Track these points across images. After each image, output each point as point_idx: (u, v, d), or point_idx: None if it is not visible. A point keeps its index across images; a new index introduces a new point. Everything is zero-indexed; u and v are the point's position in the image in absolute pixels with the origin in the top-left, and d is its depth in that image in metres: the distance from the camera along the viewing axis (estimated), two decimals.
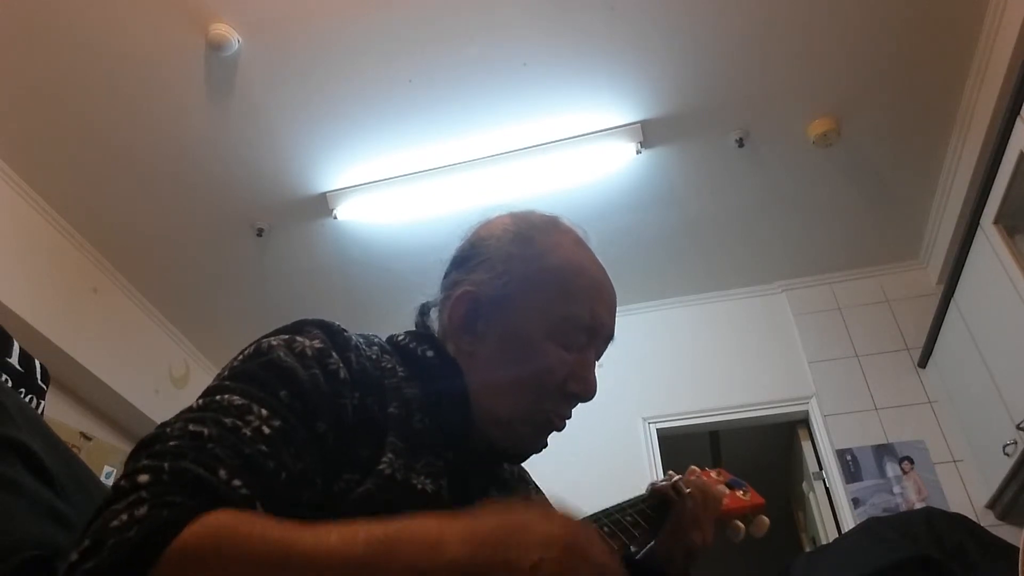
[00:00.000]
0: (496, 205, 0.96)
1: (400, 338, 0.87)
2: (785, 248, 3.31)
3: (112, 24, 2.29)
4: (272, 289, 3.39)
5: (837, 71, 2.52)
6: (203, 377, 3.69)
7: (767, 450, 4.02)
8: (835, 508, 2.93)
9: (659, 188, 2.97)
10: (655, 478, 3.25)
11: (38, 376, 2.00)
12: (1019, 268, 2.29)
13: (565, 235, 0.88)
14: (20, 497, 0.65)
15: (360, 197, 2.91)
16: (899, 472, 2.87)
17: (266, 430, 0.62)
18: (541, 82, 2.54)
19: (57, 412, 2.82)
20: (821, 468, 3.04)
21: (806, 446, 3.17)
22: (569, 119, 2.68)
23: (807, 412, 3.16)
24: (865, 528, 2.31)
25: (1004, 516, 2.65)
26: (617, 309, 0.88)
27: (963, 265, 2.63)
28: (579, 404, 0.85)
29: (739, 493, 0.96)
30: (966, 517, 2.32)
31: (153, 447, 0.59)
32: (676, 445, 3.34)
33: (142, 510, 0.52)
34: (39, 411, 1.90)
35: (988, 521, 2.62)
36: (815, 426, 3.11)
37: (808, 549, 3.27)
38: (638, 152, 2.75)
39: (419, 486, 0.71)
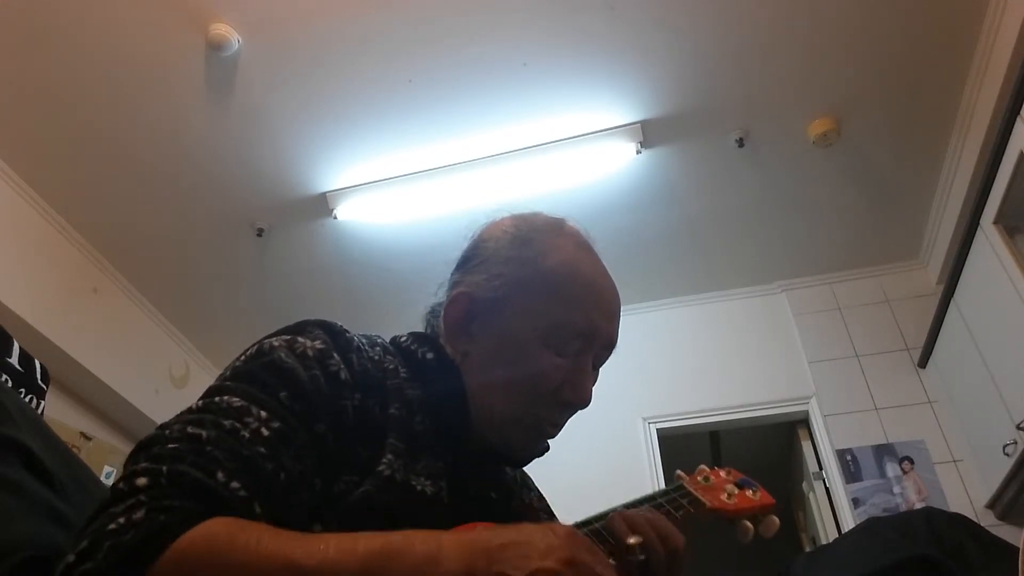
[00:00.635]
0: (497, 205, 0.95)
1: (403, 339, 0.87)
2: (785, 248, 3.31)
3: (112, 24, 2.29)
4: (272, 289, 3.39)
5: (837, 71, 2.52)
6: (203, 377, 3.68)
7: (767, 450, 4.02)
8: (835, 508, 2.93)
9: (659, 188, 2.97)
10: (655, 478, 3.22)
11: (38, 376, 2.00)
12: (1019, 268, 2.29)
13: (567, 238, 0.87)
14: (20, 497, 0.65)
15: (360, 197, 2.91)
16: (899, 472, 2.87)
17: (265, 432, 0.62)
18: (541, 82, 2.54)
19: (57, 412, 2.82)
20: (821, 468, 3.04)
21: (806, 446, 3.17)
22: (569, 119, 2.68)
23: (807, 412, 3.16)
24: (865, 528, 2.31)
25: (1004, 516, 2.65)
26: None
27: (963, 265, 2.63)
28: (575, 412, 0.83)
29: (749, 493, 0.95)
30: (966, 517, 2.32)
31: (152, 449, 0.59)
32: (676, 445, 3.34)
33: (139, 514, 0.52)
34: (39, 411, 1.90)
35: (988, 521, 2.62)
36: (815, 426, 3.11)
37: (808, 549, 3.27)
38: (638, 152, 2.75)
39: (418, 487, 0.71)
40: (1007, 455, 2.41)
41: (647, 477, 3.11)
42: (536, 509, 0.94)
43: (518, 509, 0.89)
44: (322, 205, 2.95)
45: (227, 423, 0.62)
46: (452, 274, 0.89)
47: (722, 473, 0.99)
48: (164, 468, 0.56)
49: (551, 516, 0.95)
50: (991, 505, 2.66)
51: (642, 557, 0.69)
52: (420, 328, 0.91)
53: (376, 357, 0.78)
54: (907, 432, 2.96)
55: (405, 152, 2.77)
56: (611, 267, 0.88)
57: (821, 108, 2.66)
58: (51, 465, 0.70)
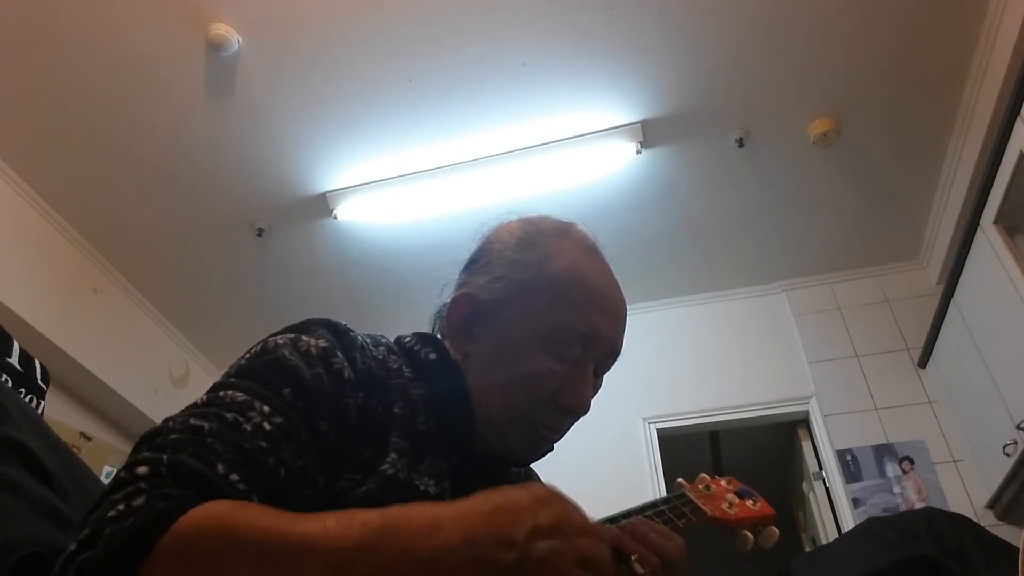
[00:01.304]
0: (506, 207, 0.94)
1: (407, 339, 0.87)
2: (785, 248, 3.31)
3: (112, 24, 2.29)
4: (272, 289, 3.39)
5: (837, 71, 2.52)
6: (203, 377, 3.69)
7: (767, 450, 4.02)
8: (835, 508, 2.93)
9: (659, 188, 2.97)
10: (655, 478, 3.22)
11: (38, 376, 2.00)
12: (1019, 268, 2.29)
13: (574, 242, 0.86)
14: (20, 497, 0.65)
15: (360, 197, 2.91)
16: (899, 472, 2.87)
17: (267, 427, 0.63)
18: (541, 82, 2.54)
19: (57, 412, 2.82)
20: (821, 468, 3.04)
21: (806, 446, 3.17)
22: (569, 119, 2.68)
23: (807, 412, 3.16)
24: (865, 528, 2.31)
25: (1004, 516, 2.65)
26: None
27: (963, 265, 2.63)
28: (576, 419, 0.83)
29: (749, 503, 0.96)
30: (966, 517, 2.32)
31: (155, 440, 0.60)
32: (676, 445, 3.34)
33: (139, 501, 0.53)
34: (39, 411, 1.90)
35: (988, 521, 2.62)
36: (815, 426, 3.11)
37: (808, 549, 3.27)
38: (638, 152, 2.76)
39: (421, 487, 0.71)
40: (1007, 455, 2.41)
41: (647, 477, 3.11)
42: None
43: None
44: (322, 205, 2.95)
45: (230, 417, 0.62)
46: (459, 275, 0.89)
47: (723, 482, 0.99)
48: (165, 458, 0.57)
49: None
50: (991, 505, 2.66)
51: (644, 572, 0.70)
52: (425, 328, 0.92)
53: (380, 356, 0.78)
54: (907, 432, 2.96)
55: (405, 152, 2.77)
56: (611, 267, 0.88)
57: (821, 108, 2.66)
58: (51, 465, 0.70)
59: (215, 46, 2.32)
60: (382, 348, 0.81)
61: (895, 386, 3.09)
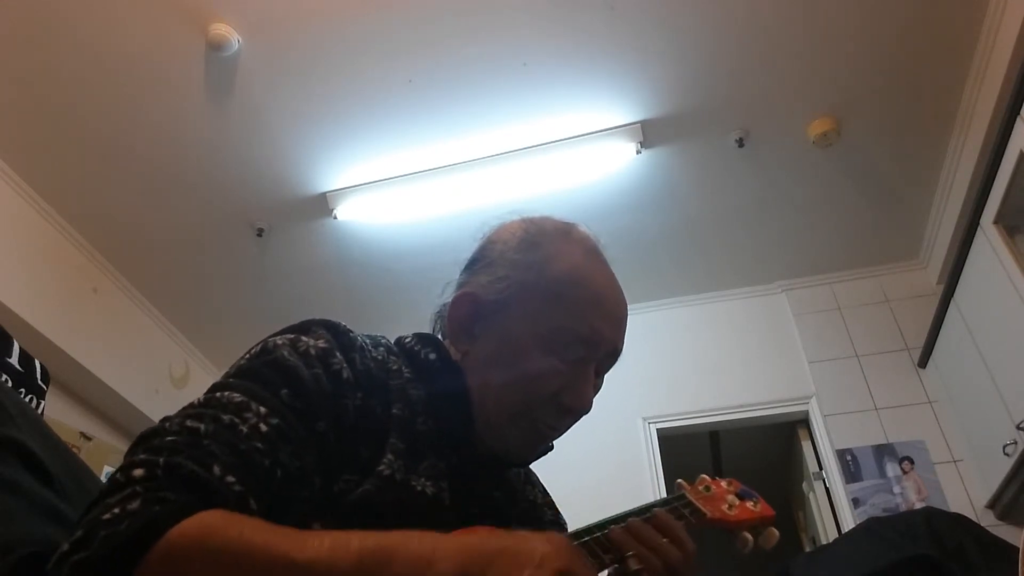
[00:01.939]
0: (507, 207, 0.94)
1: (407, 340, 0.87)
2: (785, 248, 3.31)
3: (112, 24, 2.29)
4: (272, 289, 3.39)
5: (837, 71, 2.52)
6: (203, 377, 3.69)
7: (767, 450, 4.02)
8: (835, 508, 2.93)
9: (659, 188, 2.97)
10: (655, 478, 3.22)
11: (38, 376, 2.00)
12: (1019, 268, 2.29)
13: (576, 244, 0.86)
14: (20, 497, 0.65)
15: (360, 197, 2.91)
16: (899, 472, 2.87)
17: (263, 428, 0.63)
18: (541, 82, 2.54)
19: (57, 412, 2.82)
20: (821, 468, 3.04)
21: (806, 446, 3.17)
22: (569, 119, 2.68)
23: (807, 412, 3.16)
24: (865, 528, 2.31)
25: (1004, 516, 2.65)
26: None
27: (963, 265, 2.63)
28: (576, 419, 0.83)
29: (749, 504, 0.95)
30: (966, 517, 2.32)
31: (151, 442, 0.60)
32: (676, 445, 3.34)
33: (134, 504, 0.52)
34: (39, 411, 1.90)
35: (988, 521, 2.62)
36: (815, 426, 3.11)
37: (808, 549, 3.27)
38: (638, 152, 2.76)
39: (419, 488, 0.71)
40: (1007, 455, 2.41)
41: (647, 477, 3.11)
42: (541, 506, 0.94)
43: (522, 508, 0.89)
44: (322, 205, 2.95)
45: (226, 418, 0.62)
46: (460, 275, 0.89)
47: (723, 483, 0.99)
48: (161, 460, 0.56)
49: (555, 512, 0.96)
50: (991, 505, 2.66)
51: (638, 567, 0.70)
52: (425, 328, 0.92)
53: (379, 357, 0.78)
54: (907, 432, 2.96)
55: (405, 152, 2.77)
56: (611, 267, 0.88)
57: (821, 108, 2.66)
58: (51, 465, 0.70)
59: (215, 46, 2.32)
60: (381, 349, 0.81)
61: (895, 386, 3.09)
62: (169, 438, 0.59)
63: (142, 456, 0.57)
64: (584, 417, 0.85)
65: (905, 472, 2.87)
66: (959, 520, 2.23)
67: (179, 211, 2.97)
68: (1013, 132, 2.19)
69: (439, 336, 0.89)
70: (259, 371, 0.68)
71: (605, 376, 0.87)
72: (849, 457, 2.95)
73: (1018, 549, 1.62)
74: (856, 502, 2.84)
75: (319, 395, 0.68)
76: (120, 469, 0.57)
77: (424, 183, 2.85)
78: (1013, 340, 2.36)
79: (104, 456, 2.81)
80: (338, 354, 0.73)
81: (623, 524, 0.75)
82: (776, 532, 0.93)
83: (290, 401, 0.66)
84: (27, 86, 2.46)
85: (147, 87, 2.49)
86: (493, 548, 0.54)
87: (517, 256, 0.84)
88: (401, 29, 2.36)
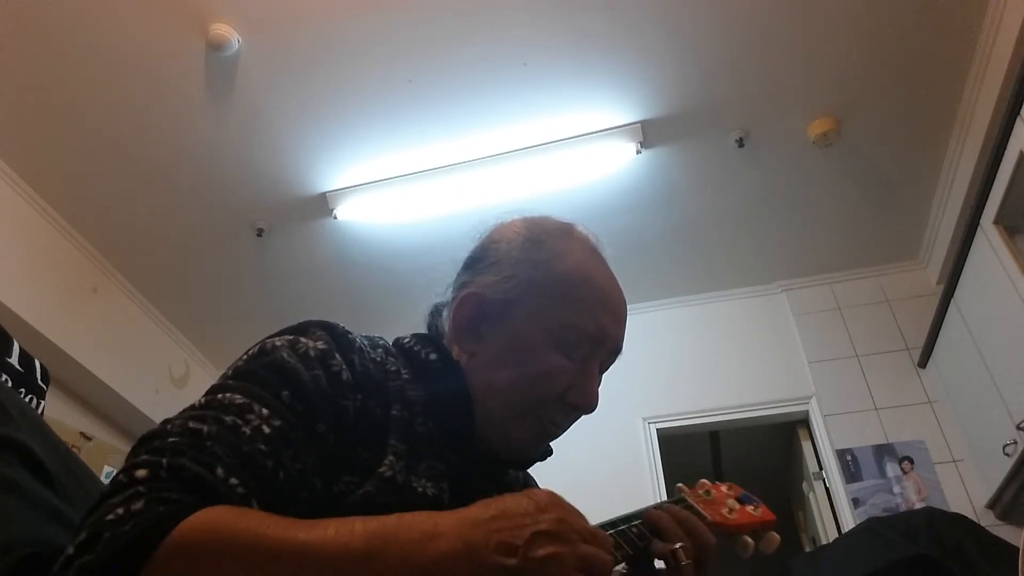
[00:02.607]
0: (503, 207, 0.94)
1: (405, 340, 0.87)
2: (785, 248, 3.31)
3: (112, 24, 2.29)
4: (272, 289, 3.39)
5: (837, 71, 2.52)
6: (203, 377, 3.69)
7: (767, 450, 4.02)
8: (835, 508, 2.93)
9: (659, 188, 2.98)
10: (655, 478, 3.22)
11: (38, 376, 2.00)
12: (1019, 268, 2.29)
13: (578, 243, 0.87)
14: (19, 497, 0.65)
15: (360, 197, 2.91)
16: (899, 472, 2.87)
17: (266, 429, 0.63)
18: (541, 82, 2.54)
19: (57, 412, 2.82)
20: (821, 468, 3.04)
21: (806, 446, 3.17)
22: (569, 119, 2.68)
23: (807, 412, 3.16)
24: (865, 528, 2.31)
25: (1004, 516, 2.65)
26: None
27: (963, 265, 2.63)
28: (580, 416, 0.83)
29: (750, 508, 0.95)
30: (966, 517, 2.32)
31: (153, 443, 0.59)
32: (676, 445, 3.34)
33: (138, 505, 0.52)
34: (39, 411, 1.90)
35: (988, 521, 2.62)
36: (815, 426, 3.11)
37: (808, 549, 3.27)
38: (638, 152, 2.76)
39: (419, 489, 0.71)
40: (1007, 455, 2.41)
41: (647, 477, 3.11)
42: None
43: None
44: (322, 205, 2.95)
45: (228, 419, 0.62)
46: (459, 274, 0.89)
47: (723, 487, 0.99)
48: (164, 461, 0.56)
49: None
50: (991, 505, 2.66)
51: (687, 561, 0.72)
52: (422, 328, 0.91)
53: (378, 358, 0.78)
54: (907, 432, 2.96)
55: (405, 152, 2.77)
56: (611, 267, 0.88)
57: (821, 108, 2.66)
58: (51, 465, 0.70)
59: (215, 46, 2.32)
60: (380, 350, 0.80)
61: (895, 386, 3.09)
62: (172, 439, 0.59)
63: (145, 457, 0.57)
64: (584, 417, 0.85)
65: (905, 472, 2.87)
66: (959, 520, 2.24)
67: (179, 211, 2.97)
68: (1013, 132, 2.19)
69: (436, 336, 0.89)
70: (259, 373, 0.68)
71: (605, 375, 0.87)
72: (849, 457, 2.95)
73: (1018, 549, 1.62)
74: (856, 502, 2.84)
75: (319, 397, 0.68)
76: (123, 470, 0.57)
77: (424, 183, 2.85)
78: (1013, 340, 2.36)
79: (104, 456, 2.81)
80: (337, 355, 0.73)
81: (638, 521, 0.76)
82: (777, 537, 0.93)
83: (291, 403, 0.66)
84: (27, 86, 2.46)
85: (147, 87, 2.49)
86: (491, 514, 0.55)
87: (522, 255, 0.84)
88: (401, 29, 2.36)
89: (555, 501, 0.57)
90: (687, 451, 3.72)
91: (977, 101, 2.54)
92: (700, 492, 0.95)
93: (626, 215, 3.06)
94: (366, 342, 0.80)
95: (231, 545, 0.51)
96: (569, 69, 2.51)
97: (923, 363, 3.08)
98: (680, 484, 0.96)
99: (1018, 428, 2.30)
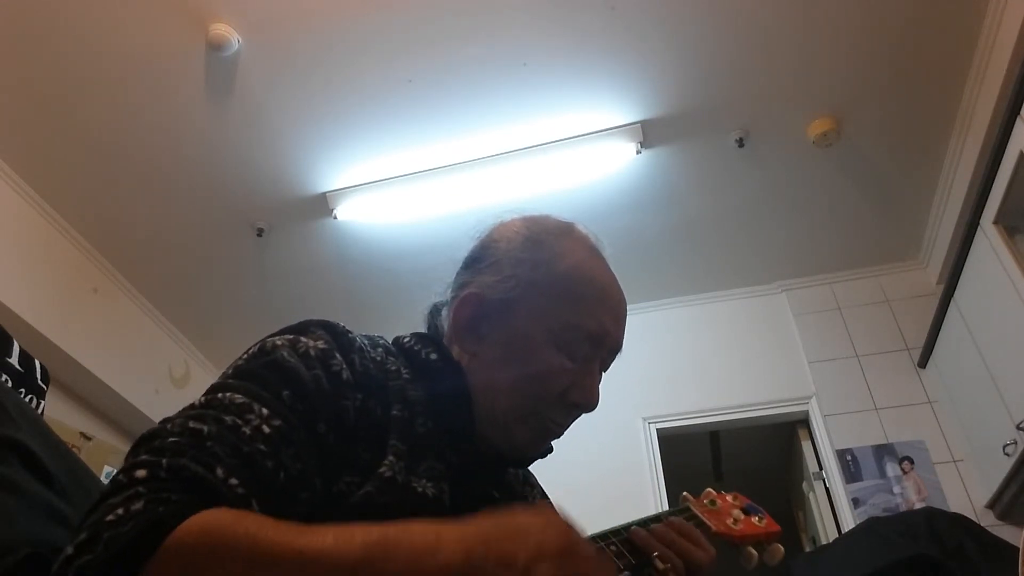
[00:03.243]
0: (503, 207, 0.94)
1: (405, 340, 0.86)
2: (785, 248, 3.31)
3: (112, 24, 2.29)
4: (272, 289, 3.39)
5: (837, 71, 2.52)
6: (203, 377, 3.69)
7: (767, 450, 4.02)
8: (835, 508, 2.93)
9: (659, 188, 2.97)
10: (655, 478, 3.21)
11: (38, 376, 2.00)
12: (1019, 268, 2.29)
13: (578, 242, 0.87)
14: (19, 497, 0.65)
15: (360, 197, 2.91)
16: (899, 472, 2.87)
17: (266, 429, 0.63)
18: (541, 82, 2.54)
19: (57, 412, 2.82)
20: (821, 468, 3.04)
21: (806, 446, 3.17)
22: (569, 119, 2.68)
23: (807, 412, 3.16)
24: (866, 528, 2.31)
25: (1004, 516, 2.64)
26: None
27: (963, 265, 2.63)
28: (581, 414, 0.84)
29: (755, 519, 0.95)
30: (966, 517, 2.32)
31: (152, 442, 0.59)
32: (676, 445, 3.34)
33: (138, 505, 0.52)
34: (39, 411, 1.90)
35: (988, 521, 2.61)
36: (815, 426, 3.11)
37: (808, 549, 3.27)
38: (638, 152, 2.75)
39: (420, 489, 0.70)
40: (1007, 455, 2.41)
41: (647, 477, 3.11)
42: None
43: None
44: (322, 205, 2.95)
45: (228, 419, 0.62)
46: (459, 274, 0.89)
47: (728, 498, 0.98)
48: (164, 461, 0.56)
49: None
50: (991, 505, 2.66)
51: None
52: (422, 328, 0.91)
53: (378, 358, 0.78)
54: (907, 432, 2.96)
55: (405, 152, 2.77)
56: (611, 266, 0.88)
57: (821, 108, 2.66)
58: (51, 465, 0.70)
59: (215, 46, 2.32)
60: (380, 350, 0.80)
61: (895, 386, 3.09)
62: (171, 439, 0.59)
63: (144, 457, 0.57)
64: (584, 417, 0.85)
65: (905, 472, 2.87)
66: (959, 520, 2.24)
67: (179, 211, 2.97)
68: (1013, 132, 2.19)
69: (436, 335, 0.89)
70: (259, 372, 0.68)
71: (605, 375, 0.87)
72: (849, 457, 2.95)
73: (1018, 549, 1.62)
74: (856, 502, 2.84)
75: (320, 396, 0.68)
76: (122, 470, 0.57)
77: (424, 183, 2.85)
78: (1013, 340, 2.36)
79: (104, 456, 2.81)
80: (337, 355, 0.73)
81: (644, 528, 0.76)
82: (781, 548, 0.93)
83: (291, 402, 0.66)
84: (27, 86, 2.46)
85: (147, 87, 2.49)
86: (495, 529, 0.54)
87: (523, 255, 0.84)
88: (401, 29, 2.36)
89: (563, 522, 0.56)
90: (687, 451, 3.71)
91: (977, 101, 2.54)
92: (705, 502, 0.95)
93: (626, 215, 3.06)
94: (366, 342, 0.80)
95: (228, 550, 0.51)
96: (569, 69, 2.51)
97: (923, 363, 3.08)
98: (685, 493, 0.96)
99: (1018, 428, 2.30)
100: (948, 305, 2.78)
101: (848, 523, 2.77)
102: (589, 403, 0.81)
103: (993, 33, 2.35)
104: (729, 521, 0.92)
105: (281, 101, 2.56)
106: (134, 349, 3.29)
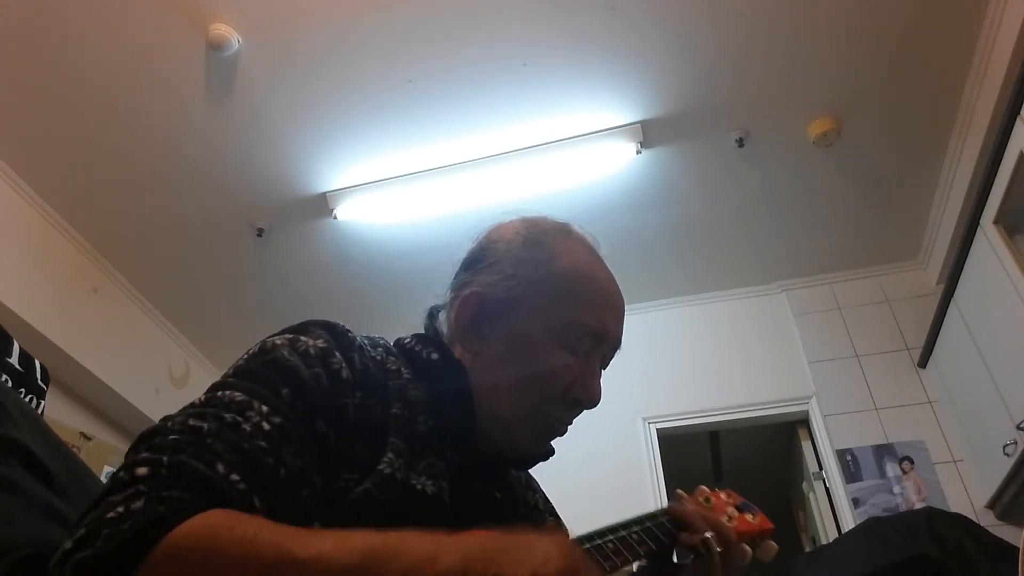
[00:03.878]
0: (500, 207, 0.95)
1: (406, 341, 0.87)
2: (785, 248, 3.31)
3: (112, 24, 2.29)
4: (272, 289, 3.39)
5: (837, 71, 2.52)
6: (203, 377, 3.69)
7: (767, 450, 4.02)
8: (835, 508, 2.93)
9: (659, 188, 2.97)
10: (655, 478, 3.22)
11: (38, 376, 2.00)
12: (1019, 268, 2.29)
13: (576, 242, 0.88)
14: (20, 497, 0.65)
15: (360, 197, 2.91)
16: (899, 472, 2.87)
17: (266, 426, 0.63)
18: (541, 82, 2.54)
19: (57, 412, 2.82)
20: (821, 468, 3.04)
21: (806, 446, 3.17)
22: (569, 119, 2.68)
23: (807, 412, 3.16)
24: (866, 528, 2.31)
25: (1004, 516, 2.65)
26: None
27: (963, 265, 2.63)
28: (582, 411, 0.84)
29: (748, 517, 0.96)
30: (966, 517, 2.32)
31: (153, 440, 0.59)
32: (676, 445, 3.34)
33: (138, 503, 0.52)
34: (39, 411, 1.90)
35: (988, 521, 2.62)
36: (815, 426, 3.11)
37: (808, 549, 3.27)
38: (638, 152, 2.76)
39: (419, 487, 0.71)
40: (1007, 455, 2.41)
41: (647, 477, 3.11)
42: (541, 511, 0.94)
43: (523, 510, 0.89)
44: (322, 205, 2.95)
45: (228, 417, 0.62)
46: (457, 275, 0.89)
47: (723, 495, 0.99)
48: (165, 458, 0.56)
49: (556, 518, 0.96)
50: (991, 505, 2.66)
51: (720, 549, 0.77)
52: (421, 330, 0.91)
53: (378, 357, 0.79)
54: (907, 432, 2.96)
55: (405, 152, 2.77)
56: (611, 267, 0.89)
57: (821, 108, 2.66)
58: (51, 465, 0.70)
59: (215, 46, 2.32)
60: (380, 349, 0.81)
61: (895, 386, 3.09)
62: (172, 437, 0.59)
63: (145, 455, 0.57)
64: (584, 417, 0.85)
65: (905, 472, 2.87)
66: (959, 520, 2.24)
67: (179, 211, 2.97)
68: (1013, 132, 2.19)
69: (436, 335, 0.89)
70: (259, 371, 0.68)
71: (605, 375, 0.87)
72: (849, 457, 2.95)
73: (1018, 549, 1.62)
74: (856, 502, 2.84)
75: (319, 394, 0.68)
76: (123, 468, 0.57)
77: (424, 183, 2.85)
78: (1013, 340, 2.36)
79: (104, 456, 2.81)
80: (337, 354, 0.73)
81: (664, 518, 0.80)
82: (775, 545, 0.94)
83: (291, 400, 0.66)
84: (27, 86, 2.47)
85: (147, 87, 2.49)
86: (497, 546, 0.54)
87: (524, 254, 0.85)
88: (401, 29, 2.36)
89: (568, 551, 0.55)
90: (687, 451, 3.72)
91: (977, 101, 2.54)
92: (699, 500, 0.96)
93: (626, 215, 3.06)
94: (367, 341, 0.80)
95: (226, 552, 0.51)
96: (569, 69, 2.51)
97: (923, 363, 3.08)
98: (679, 491, 0.97)
99: (1018, 428, 2.30)
100: (948, 305, 2.78)
101: (848, 523, 2.77)
102: (592, 399, 0.82)
103: (993, 33, 2.35)
104: (723, 518, 0.93)
105: (281, 101, 2.56)
106: (134, 349, 3.29)
